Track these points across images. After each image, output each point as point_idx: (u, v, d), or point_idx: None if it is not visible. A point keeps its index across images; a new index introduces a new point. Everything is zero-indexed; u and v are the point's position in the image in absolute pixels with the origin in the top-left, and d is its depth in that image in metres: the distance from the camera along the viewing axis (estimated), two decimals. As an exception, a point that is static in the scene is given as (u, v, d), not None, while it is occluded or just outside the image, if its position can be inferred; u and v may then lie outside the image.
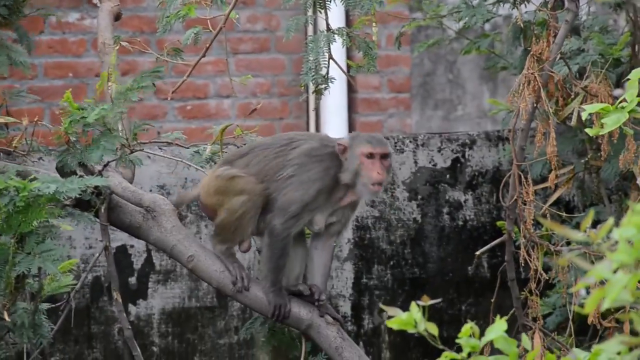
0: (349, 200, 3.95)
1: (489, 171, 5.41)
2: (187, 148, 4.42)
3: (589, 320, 4.32)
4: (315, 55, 4.11)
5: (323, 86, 4.14)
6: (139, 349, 4.23)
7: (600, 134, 3.60)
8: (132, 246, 5.08)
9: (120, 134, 4.17)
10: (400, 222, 5.31)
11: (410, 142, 5.36)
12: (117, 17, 4.60)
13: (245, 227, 3.99)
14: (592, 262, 4.10)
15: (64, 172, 4.04)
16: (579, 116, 4.42)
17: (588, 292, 4.05)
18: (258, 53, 6.83)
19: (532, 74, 4.12)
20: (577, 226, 4.89)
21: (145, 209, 4.14)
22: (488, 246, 4.39)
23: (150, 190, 5.12)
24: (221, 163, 4.08)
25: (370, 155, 3.84)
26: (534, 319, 4.31)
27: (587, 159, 4.89)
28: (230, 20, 4.13)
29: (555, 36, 4.19)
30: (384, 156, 3.84)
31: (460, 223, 5.36)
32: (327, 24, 4.18)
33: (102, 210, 4.12)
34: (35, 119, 4.15)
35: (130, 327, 4.23)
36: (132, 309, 5.09)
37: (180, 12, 4.14)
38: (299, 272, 4.10)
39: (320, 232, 4.02)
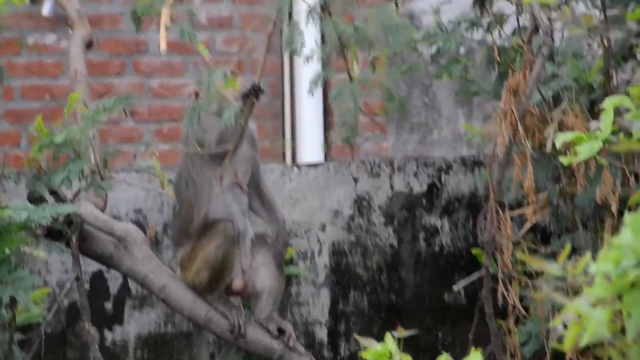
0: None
1: (465, 196, 5.43)
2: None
3: (567, 358, 4.32)
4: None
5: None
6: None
7: (574, 162, 3.60)
8: (108, 271, 5.06)
9: (92, 160, 4.18)
10: (376, 248, 5.32)
11: (386, 166, 5.38)
12: (88, 45, 4.61)
13: (231, 266, 4.01)
14: (569, 294, 4.12)
15: (34, 198, 4.03)
16: (554, 143, 4.43)
17: (565, 326, 4.06)
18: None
19: (509, 108, 4.14)
20: (552, 254, 4.90)
21: (117, 239, 4.13)
22: (465, 280, 4.39)
23: (127, 214, 5.11)
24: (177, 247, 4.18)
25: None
26: (512, 355, 4.32)
27: (561, 186, 4.91)
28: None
29: (531, 69, 4.21)
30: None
31: (437, 249, 5.37)
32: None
33: (74, 240, 4.11)
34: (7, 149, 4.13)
35: (102, 358, 4.22)
36: (107, 334, 5.07)
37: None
38: (267, 301, 4.09)
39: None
